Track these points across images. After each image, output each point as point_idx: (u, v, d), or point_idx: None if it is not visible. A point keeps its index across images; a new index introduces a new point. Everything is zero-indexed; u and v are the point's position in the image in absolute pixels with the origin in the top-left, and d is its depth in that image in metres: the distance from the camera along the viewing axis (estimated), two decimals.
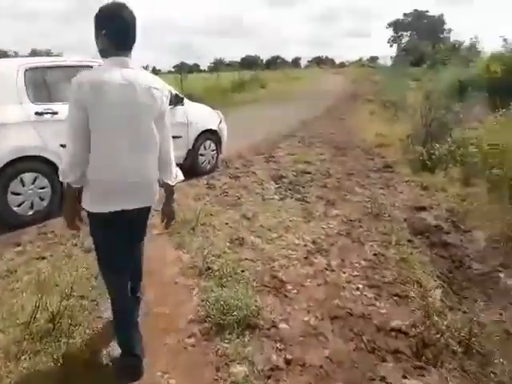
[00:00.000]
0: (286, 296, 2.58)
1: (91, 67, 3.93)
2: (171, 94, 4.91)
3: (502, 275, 2.85)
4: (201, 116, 5.41)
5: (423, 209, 4.27)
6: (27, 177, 3.72)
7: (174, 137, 4.64)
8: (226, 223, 3.75)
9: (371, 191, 4.89)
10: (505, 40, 9.85)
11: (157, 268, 2.90)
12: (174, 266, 2.95)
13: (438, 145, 5.64)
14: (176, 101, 4.96)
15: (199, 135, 5.32)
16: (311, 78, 33.86)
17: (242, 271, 2.83)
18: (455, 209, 4.16)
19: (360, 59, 67.52)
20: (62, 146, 2.08)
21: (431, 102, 9.85)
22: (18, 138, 3.64)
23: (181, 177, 2.09)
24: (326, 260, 3.10)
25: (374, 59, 59.90)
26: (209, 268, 2.85)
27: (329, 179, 5.38)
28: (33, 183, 3.77)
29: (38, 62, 3.92)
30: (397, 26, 43.28)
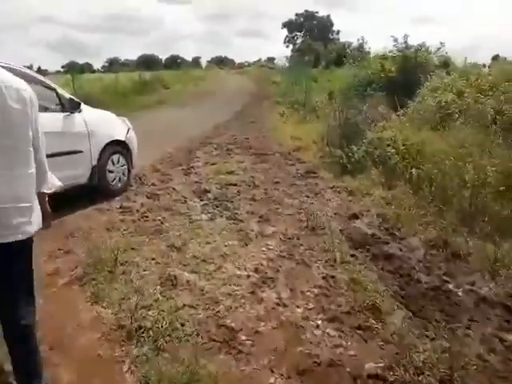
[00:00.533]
0: (240, 351, 2.16)
1: None
2: (64, 97, 4.10)
3: (451, 286, 2.83)
4: (104, 125, 4.63)
5: (355, 217, 4.20)
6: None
7: (72, 152, 3.88)
8: (152, 258, 3.16)
9: (300, 201, 4.71)
10: (395, 40, 10.69)
11: (68, 335, 2.24)
12: (92, 330, 2.31)
13: (355, 147, 5.73)
14: (71, 106, 4.15)
15: (104, 148, 4.53)
16: (214, 79, 33.56)
17: (182, 325, 2.33)
18: (385, 214, 4.16)
19: (259, 60, 69.52)
20: None
21: (337, 102, 10.27)
22: None
23: (57, 183, 1.95)
24: (274, 293, 2.75)
25: (271, 60, 62.20)
26: (139, 327, 2.28)
27: (256, 190, 5.08)
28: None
29: None
30: (290, 26, 45.27)
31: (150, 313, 2.41)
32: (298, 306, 2.60)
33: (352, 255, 3.34)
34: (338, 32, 42.62)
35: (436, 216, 3.91)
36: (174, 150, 7.46)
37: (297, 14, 44.22)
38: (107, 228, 3.81)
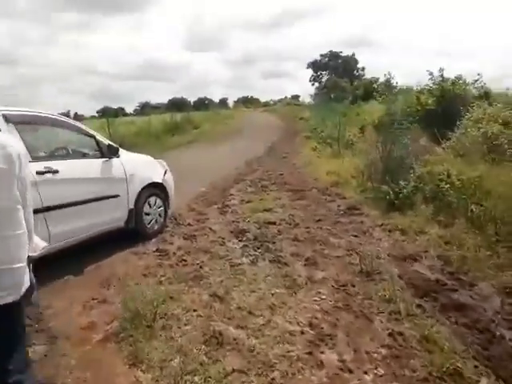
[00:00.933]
0: None
1: None
2: (103, 143, 4.05)
3: None
4: (142, 168, 4.53)
5: (413, 258, 3.78)
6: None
7: (109, 196, 3.77)
8: (194, 310, 2.87)
9: (347, 240, 4.34)
10: (431, 73, 10.49)
11: None
12: None
13: (402, 182, 5.35)
14: (110, 152, 4.08)
15: (142, 191, 4.41)
16: (242, 117, 34.26)
17: None
18: (447, 256, 3.72)
19: (285, 97, 70.94)
20: None
21: (372, 136, 9.97)
22: None
23: (42, 244, 1.82)
24: (336, 354, 2.36)
25: (295, 97, 63.27)
26: None
27: (297, 229, 4.76)
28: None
29: None
30: (315, 66, 46.23)
31: (196, 379, 2.09)
32: (365, 372, 2.20)
33: (418, 305, 2.91)
34: (363, 69, 43.16)
35: (507, 258, 3.43)
36: (208, 188, 7.33)
37: (321, 55, 45.35)
38: (144, 274, 3.58)
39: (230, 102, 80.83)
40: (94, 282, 3.45)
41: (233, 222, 5.15)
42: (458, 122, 8.67)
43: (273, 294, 3.10)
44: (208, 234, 4.66)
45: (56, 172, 3.44)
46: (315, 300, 3.03)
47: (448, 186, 4.67)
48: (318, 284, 3.30)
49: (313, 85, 46.03)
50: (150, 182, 4.55)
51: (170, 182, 4.97)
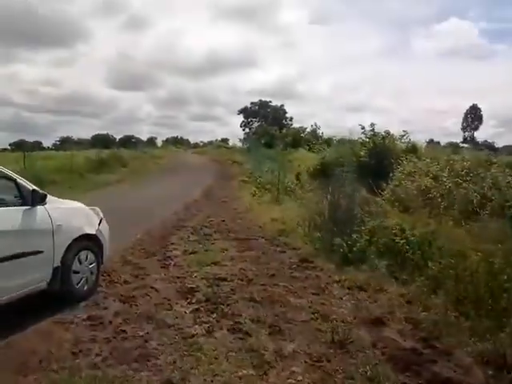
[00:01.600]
0: None
1: None
2: (25, 188, 3.34)
3: None
4: (71, 217, 3.81)
5: (380, 322, 3.54)
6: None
7: (30, 253, 3.04)
8: None
9: (309, 300, 4.01)
10: (363, 128, 11.17)
11: None
12: None
13: (354, 235, 5.27)
14: (34, 199, 3.35)
15: (71, 244, 3.67)
16: (173, 157, 33.62)
17: None
18: (414, 319, 3.55)
19: (215, 140, 71.91)
20: None
21: (309, 184, 10.12)
22: None
23: None
24: None
25: (225, 140, 64.56)
26: None
27: (252, 287, 4.31)
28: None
29: None
30: (246, 112, 47.92)
31: None
32: None
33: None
34: (291, 119, 45.75)
35: (476, 321, 3.35)
36: (144, 235, 6.60)
37: (252, 103, 47.25)
38: (73, 352, 2.82)
39: (159, 142, 79.61)
40: (6, 365, 2.61)
41: (178, 278, 4.55)
42: (390, 174, 9.16)
43: (240, 378, 2.58)
44: (150, 295, 4.00)
45: None
46: (291, 383, 2.58)
47: (403, 241, 4.66)
48: (290, 360, 2.85)
49: (244, 130, 47.43)
50: (82, 233, 3.83)
51: (105, 232, 4.27)
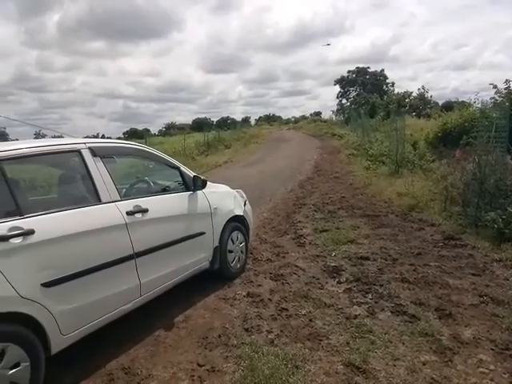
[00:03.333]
0: None
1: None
2: (187, 175, 3.58)
3: None
4: (224, 200, 4.03)
5: None
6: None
7: (197, 234, 3.23)
8: None
9: (470, 282, 3.66)
10: (495, 87, 9.70)
11: None
12: None
13: (510, 208, 4.63)
14: (196, 185, 3.60)
15: (225, 226, 3.90)
16: (270, 135, 33.92)
17: None
18: None
19: (308, 115, 70.75)
20: None
21: (431, 153, 9.22)
22: None
23: None
24: None
25: (317, 114, 62.88)
26: None
27: (400, 267, 4.11)
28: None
29: None
30: (343, 82, 45.75)
31: None
32: None
33: None
34: (392, 84, 42.20)
35: None
36: (269, 213, 6.79)
37: (349, 71, 44.80)
38: (246, 328, 3.00)
39: (252, 121, 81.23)
40: (189, 339, 2.90)
41: (317, 256, 4.55)
42: None
43: (424, 364, 2.46)
44: (297, 273, 4.07)
45: (145, 211, 2.96)
46: (483, 372, 2.37)
47: None
48: (472, 347, 2.63)
49: (340, 100, 45.35)
50: (233, 215, 4.04)
51: (249, 213, 4.47)
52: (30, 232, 2.23)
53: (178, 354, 2.71)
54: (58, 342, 2.32)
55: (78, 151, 2.75)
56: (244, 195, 4.50)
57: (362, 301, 3.38)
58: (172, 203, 3.36)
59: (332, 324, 3.00)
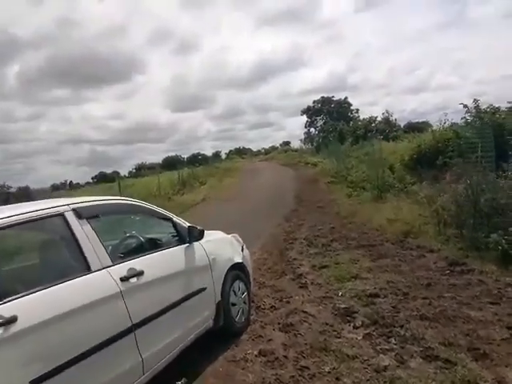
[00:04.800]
0: None
1: None
2: (181, 227, 3.29)
3: None
4: (221, 248, 3.71)
5: None
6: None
7: (197, 291, 2.89)
8: None
9: (492, 312, 3.47)
10: (465, 106, 9.96)
11: None
12: None
13: None
14: (192, 235, 3.29)
15: (225, 277, 3.57)
16: (244, 168, 34.00)
17: None
18: None
19: (278, 145, 72.00)
20: None
21: (411, 175, 9.30)
22: None
23: None
24: None
25: (286, 143, 64.23)
26: None
27: (414, 302, 3.88)
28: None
29: None
30: (309, 112, 47.12)
31: None
32: None
33: None
34: (357, 110, 43.76)
35: None
36: (261, 252, 6.47)
37: (314, 101, 46.28)
38: None
39: (223, 155, 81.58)
40: None
41: (323, 298, 4.26)
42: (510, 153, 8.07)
43: None
44: (307, 321, 3.74)
45: (141, 274, 2.61)
46: None
47: None
48: None
49: (308, 129, 46.51)
50: (232, 263, 3.72)
51: (248, 259, 4.16)
52: (13, 320, 1.84)
53: None
54: None
55: (61, 215, 2.41)
56: (240, 239, 4.20)
57: (386, 347, 3.09)
58: (168, 260, 3.01)
59: (363, 381, 2.68)
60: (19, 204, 2.62)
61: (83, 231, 2.44)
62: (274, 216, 9.63)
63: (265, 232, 7.85)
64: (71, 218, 2.43)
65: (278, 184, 16.83)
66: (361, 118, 39.50)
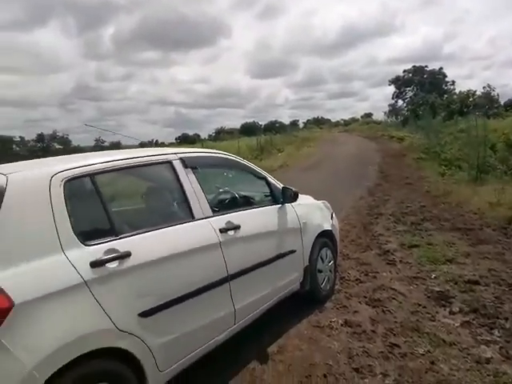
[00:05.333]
0: None
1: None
2: (275, 187, 3.22)
3: None
4: (312, 213, 3.62)
5: None
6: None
7: (288, 253, 2.81)
8: None
9: None
10: None
11: None
12: None
13: None
14: (286, 197, 3.23)
15: (314, 242, 3.48)
16: (322, 138, 33.07)
17: None
18: None
19: (361, 117, 68.82)
20: None
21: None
22: None
23: None
24: None
25: (368, 115, 60.78)
26: None
27: None
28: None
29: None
30: (398, 82, 43.78)
31: None
32: None
33: None
34: (452, 82, 39.48)
35: None
36: (343, 224, 6.24)
37: (404, 70, 42.72)
38: (355, 368, 2.56)
39: (300, 124, 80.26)
40: (290, 377, 2.51)
41: (414, 278, 4.00)
42: None
43: None
44: (396, 299, 3.55)
45: (237, 228, 2.63)
46: None
47: None
48: None
49: (396, 102, 43.35)
50: (321, 230, 3.61)
51: (336, 227, 4.02)
52: (126, 255, 1.96)
53: None
54: (155, 380, 2.03)
55: (170, 162, 2.48)
56: (329, 207, 4.06)
57: (488, 339, 2.81)
58: (263, 218, 3.01)
59: (462, 370, 2.47)
60: (129, 150, 2.76)
61: (188, 180, 2.50)
62: (357, 189, 9.25)
63: (346, 204, 7.58)
64: (178, 166, 2.50)
65: (361, 156, 16.08)
66: (456, 91, 35.76)
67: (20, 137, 38.15)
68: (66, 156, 2.38)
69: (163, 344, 2.04)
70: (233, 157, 3.14)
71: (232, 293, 2.51)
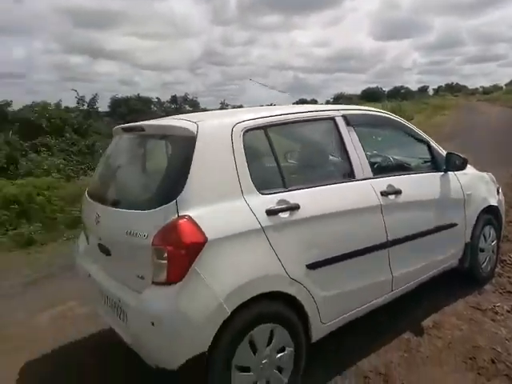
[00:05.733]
0: None
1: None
2: (438, 152, 2.89)
3: None
4: (476, 186, 3.18)
5: None
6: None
7: (448, 226, 2.49)
8: None
9: None
10: None
11: None
12: None
13: None
14: (451, 164, 2.89)
15: (478, 218, 3.08)
16: (458, 107, 29.33)
17: None
18: None
19: (505, 84, 59.03)
20: None
21: None
22: None
23: None
24: None
25: None
26: None
27: None
28: None
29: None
30: None
31: None
32: None
33: None
34: None
35: None
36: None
37: None
38: None
39: (430, 91, 72.11)
40: (451, 355, 2.33)
41: None
42: None
43: None
44: None
45: (398, 193, 2.45)
46: None
47: None
48: None
49: None
50: (487, 205, 3.17)
51: (503, 204, 3.50)
52: (296, 207, 1.98)
53: (444, 374, 2.18)
54: (318, 330, 2.09)
55: (332, 119, 2.40)
56: (495, 180, 3.54)
57: None
58: (424, 185, 2.76)
59: None
60: (291, 106, 2.75)
61: (350, 138, 2.40)
62: (509, 165, 7.95)
63: (500, 181, 6.56)
64: (341, 123, 2.41)
65: (509, 132, 13.73)
66: None
67: (157, 98, 42.92)
68: (241, 109, 2.49)
69: (326, 297, 2.07)
70: (395, 117, 2.91)
71: (390, 259, 2.40)
